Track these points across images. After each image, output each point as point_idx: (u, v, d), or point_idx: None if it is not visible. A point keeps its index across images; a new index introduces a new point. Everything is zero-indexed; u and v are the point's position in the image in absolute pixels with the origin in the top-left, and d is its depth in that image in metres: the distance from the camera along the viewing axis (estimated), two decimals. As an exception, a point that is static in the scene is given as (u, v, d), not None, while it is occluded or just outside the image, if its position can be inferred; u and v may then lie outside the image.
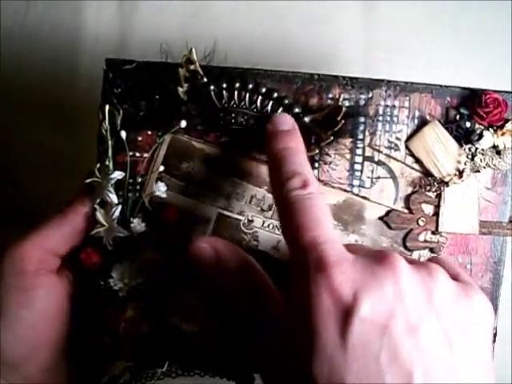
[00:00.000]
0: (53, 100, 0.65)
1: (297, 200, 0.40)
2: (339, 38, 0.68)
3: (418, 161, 0.50)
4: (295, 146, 0.45)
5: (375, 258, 0.38)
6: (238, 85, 0.49)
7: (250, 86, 0.49)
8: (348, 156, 0.50)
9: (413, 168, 0.50)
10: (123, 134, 0.49)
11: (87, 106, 0.52)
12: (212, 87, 0.49)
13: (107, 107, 0.49)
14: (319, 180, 0.49)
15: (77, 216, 0.49)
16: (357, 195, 0.50)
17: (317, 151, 0.49)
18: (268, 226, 0.50)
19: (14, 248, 0.48)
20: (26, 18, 0.65)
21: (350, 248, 0.39)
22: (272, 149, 0.45)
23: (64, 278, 0.49)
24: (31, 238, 0.48)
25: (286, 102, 0.49)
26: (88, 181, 0.49)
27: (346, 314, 0.35)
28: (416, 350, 0.35)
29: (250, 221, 0.50)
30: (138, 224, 0.49)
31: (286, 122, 0.47)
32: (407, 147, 0.50)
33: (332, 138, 0.48)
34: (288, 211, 0.41)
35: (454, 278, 0.40)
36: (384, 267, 0.37)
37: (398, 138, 0.50)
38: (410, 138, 0.50)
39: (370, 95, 0.50)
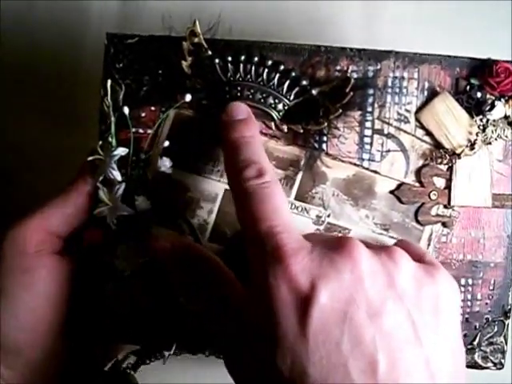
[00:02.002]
0: (54, 99, 0.64)
1: (253, 189, 0.40)
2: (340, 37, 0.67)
3: (428, 133, 0.48)
4: (251, 135, 0.44)
5: (333, 245, 0.37)
6: (243, 58, 0.47)
7: (256, 58, 0.47)
8: (357, 129, 0.48)
9: (423, 140, 0.49)
10: (126, 109, 0.47)
11: (88, 105, 0.51)
12: (217, 60, 0.48)
13: (109, 82, 0.48)
14: (328, 154, 0.48)
15: (79, 195, 0.48)
16: (367, 169, 0.49)
17: (325, 124, 0.48)
18: (276, 202, 0.49)
19: (16, 229, 0.47)
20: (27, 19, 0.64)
21: (307, 237, 0.39)
22: (227, 138, 0.44)
23: (66, 259, 0.48)
24: (33, 218, 0.47)
25: (293, 74, 0.48)
26: (90, 158, 0.48)
27: (305, 303, 0.34)
28: (379, 334, 0.34)
29: (258, 197, 0.49)
30: (142, 201, 0.47)
31: (241, 110, 0.46)
32: (417, 119, 0.48)
33: (340, 110, 0.47)
34: (244, 201, 0.40)
35: (418, 260, 0.40)
36: (342, 254, 0.36)
37: (407, 110, 0.49)
38: (419, 109, 0.48)
39: (379, 67, 0.48)
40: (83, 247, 0.48)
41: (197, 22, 0.48)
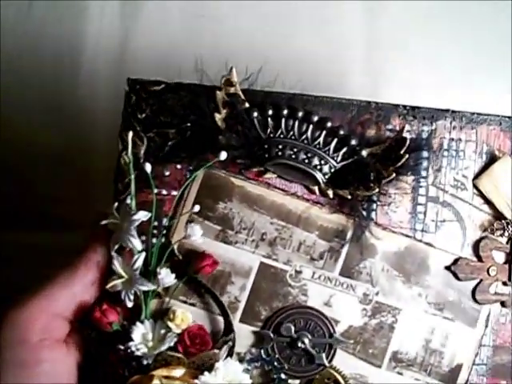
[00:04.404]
0: (54, 99, 0.61)
1: None
2: (342, 37, 0.65)
3: (487, 201, 0.44)
4: None
5: None
6: (285, 112, 0.42)
7: (300, 113, 0.42)
8: (410, 196, 0.43)
9: (481, 210, 0.44)
10: (148, 167, 0.41)
11: (88, 105, 0.52)
12: (255, 114, 0.42)
13: (130, 135, 0.41)
14: (377, 224, 0.43)
15: (89, 268, 0.41)
16: (420, 241, 0.43)
17: (376, 190, 0.42)
18: (319, 277, 0.42)
19: (15, 312, 0.39)
20: (28, 17, 0.61)
21: None
22: None
23: (73, 345, 0.40)
24: (36, 299, 0.40)
25: (341, 132, 0.42)
26: (104, 223, 0.41)
27: None
28: None
29: (298, 272, 0.42)
30: (166, 275, 0.40)
31: None
32: (475, 186, 0.44)
33: (394, 174, 0.42)
34: None
35: None
36: None
37: (464, 176, 0.44)
38: (477, 175, 0.44)
39: (434, 127, 0.43)
40: (94, 328, 0.40)
41: (233, 70, 0.42)
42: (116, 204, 0.41)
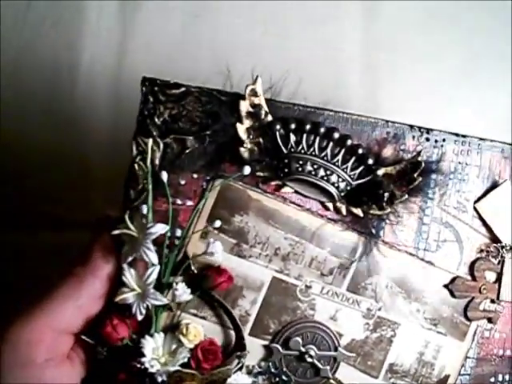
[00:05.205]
0: (53, 101, 0.58)
1: None
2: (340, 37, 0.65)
3: (485, 224, 0.46)
4: None
5: None
6: (308, 127, 0.41)
7: (322, 129, 0.41)
8: (417, 216, 0.44)
9: (479, 232, 0.46)
10: (164, 175, 0.39)
11: (87, 105, 0.51)
12: (278, 127, 0.41)
13: (150, 142, 0.39)
14: (384, 242, 0.44)
15: (96, 279, 0.39)
16: (422, 259, 0.45)
17: (388, 210, 0.43)
18: (327, 292, 0.43)
19: (17, 330, 0.36)
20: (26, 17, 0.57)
21: None
22: None
23: (77, 359, 0.39)
24: (38, 315, 0.37)
25: (360, 151, 0.42)
26: (116, 232, 0.39)
27: None
28: None
29: (308, 287, 0.43)
30: (183, 290, 0.39)
31: None
32: (475, 209, 0.45)
33: (406, 196, 0.43)
34: None
35: None
36: None
37: (466, 199, 0.45)
38: (479, 199, 0.46)
39: (444, 150, 0.45)
40: (104, 344, 0.38)
41: (259, 80, 0.40)
42: (128, 212, 0.39)
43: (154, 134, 0.40)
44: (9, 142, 0.56)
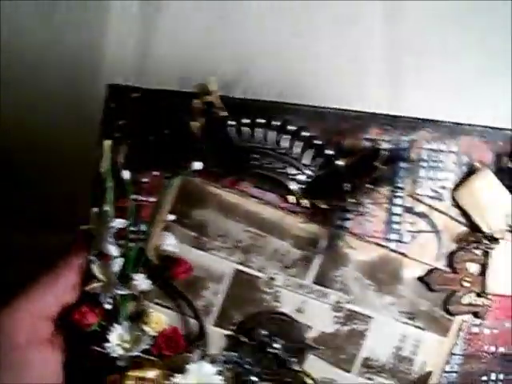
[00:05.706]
0: (75, 99, 0.61)
1: None
2: (362, 39, 0.64)
3: (464, 213, 0.43)
4: None
5: None
6: (261, 121, 0.42)
7: (276, 123, 0.42)
8: (386, 206, 0.43)
9: (458, 221, 0.43)
10: (127, 174, 0.42)
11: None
12: (231, 123, 0.42)
13: (109, 142, 0.42)
14: (352, 233, 0.43)
15: (71, 271, 0.42)
16: (394, 251, 0.43)
17: (351, 200, 0.42)
18: (291, 284, 0.43)
19: (3, 316, 0.41)
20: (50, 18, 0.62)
21: None
22: None
23: (57, 343, 0.42)
24: (20, 304, 0.41)
25: (318, 142, 0.42)
26: (83, 228, 0.42)
27: None
28: None
29: (272, 279, 0.43)
30: (141, 281, 0.42)
31: None
32: (453, 197, 0.43)
33: (368, 186, 0.42)
34: None
35: None
36: None
37: (442, 187, 0.43)
38: (456, 187, 0.43)
39: (414, 137, 0.43)
40: (74, 328, 0.42)
41: (212, 78, 0.42)
42: (95, 210, 0.42)
43: (117, 135, 0.43)
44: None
